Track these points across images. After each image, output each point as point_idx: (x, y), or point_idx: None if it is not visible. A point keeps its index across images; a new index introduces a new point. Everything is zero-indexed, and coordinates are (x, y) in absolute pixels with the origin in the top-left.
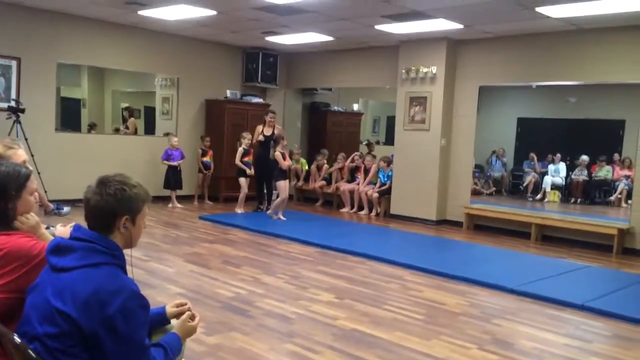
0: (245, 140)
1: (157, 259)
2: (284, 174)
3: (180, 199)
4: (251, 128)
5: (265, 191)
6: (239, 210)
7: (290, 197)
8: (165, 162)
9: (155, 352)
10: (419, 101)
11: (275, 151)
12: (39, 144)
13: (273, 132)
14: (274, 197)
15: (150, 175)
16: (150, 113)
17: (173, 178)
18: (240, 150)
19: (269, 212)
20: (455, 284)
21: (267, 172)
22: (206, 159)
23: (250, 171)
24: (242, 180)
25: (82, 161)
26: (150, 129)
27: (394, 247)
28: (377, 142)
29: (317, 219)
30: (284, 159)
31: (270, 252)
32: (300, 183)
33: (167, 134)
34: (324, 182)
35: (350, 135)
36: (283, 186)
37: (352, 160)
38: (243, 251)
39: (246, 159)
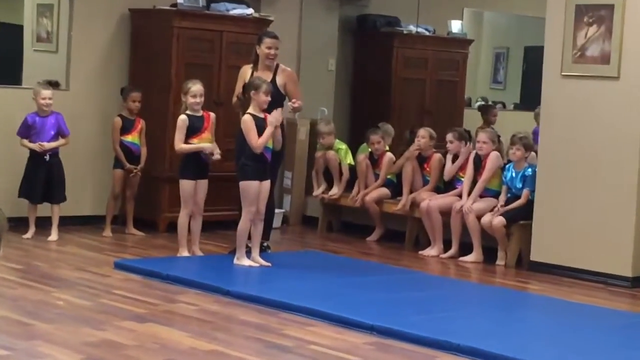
0: (193, 95)
1: (23, 354)
2: (260, 166)
3: (75, 222)
4: (228, 71)
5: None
6: (186, 251)
7: (309, 221)
8: (25, 142)
9: None
10: (597, 15)
11: (244, 112)
12: None
13: (274, 80)
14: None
15: (9, 172)
16: (12, 38)
17: (38, 177)
18: (181, 119)
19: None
20: None
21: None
22: (131, 138)
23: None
24: (185, 185)
25: None
26: (11, 73)
27: (542, 337)
28: (502, 105)
29: (370, 270)
30: (261, 128)
31: (268, 343)
32: (335, 192)
33: (45, 83)
34: (385, 192)
35: (443, 88)
36: (251, 192)
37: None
38: (208, 339)
39: (196, 138)
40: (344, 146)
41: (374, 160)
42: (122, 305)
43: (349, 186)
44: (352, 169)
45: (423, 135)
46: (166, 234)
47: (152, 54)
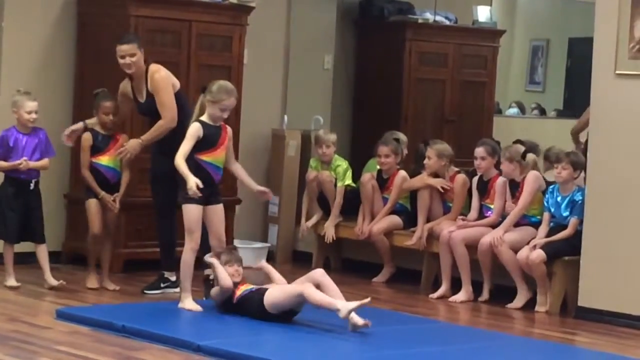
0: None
1: None
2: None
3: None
4: (199, 70)
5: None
6: (191, 300)
7: (301, 257)
8: (2, 164)
9: None
10: None
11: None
12: None
13: (148, 89)
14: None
15: None
16: None
17: (15, 210)
18: (195, 127)
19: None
20: None
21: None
22: (105, 160)
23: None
24: (189, 210)
25: None
26: None
27: None
28: (541, 111)
29: (377, 319)
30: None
31: None
32: (333, 222)
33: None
34: (395, 221)
35: (467, 90)
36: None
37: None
38: None
39: (208, 155)
40: (344, 163)
41: (383, 180)
42: None
43: (351, 214)
44: (355, 192)
45: (429, 156)
46: (121, 275)
47: (103, 50)
